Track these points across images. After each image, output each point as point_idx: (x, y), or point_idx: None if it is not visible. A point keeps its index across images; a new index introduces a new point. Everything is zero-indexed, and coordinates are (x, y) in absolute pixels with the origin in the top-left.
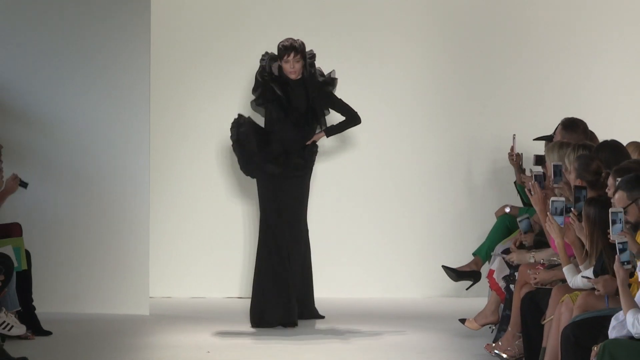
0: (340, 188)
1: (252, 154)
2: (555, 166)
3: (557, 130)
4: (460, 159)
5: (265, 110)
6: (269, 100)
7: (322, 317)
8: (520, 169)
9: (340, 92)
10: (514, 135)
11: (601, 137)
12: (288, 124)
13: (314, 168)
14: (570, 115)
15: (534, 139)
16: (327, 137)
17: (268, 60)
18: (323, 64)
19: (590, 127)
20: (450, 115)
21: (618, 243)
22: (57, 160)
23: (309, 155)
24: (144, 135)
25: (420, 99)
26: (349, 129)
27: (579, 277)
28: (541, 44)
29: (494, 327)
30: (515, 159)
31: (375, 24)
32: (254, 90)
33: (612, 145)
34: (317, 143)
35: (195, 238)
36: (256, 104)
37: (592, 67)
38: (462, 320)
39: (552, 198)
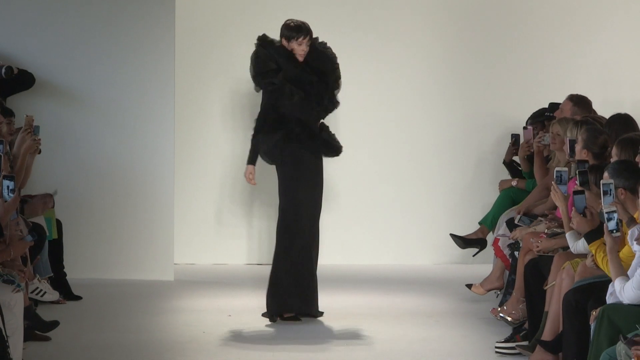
0: (354, 159)
1: (277, 143)
2: (571, 141)
3: (567, 107)
4: (471, 133)
5: (280, 92)
6: (289, 81)
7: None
8: (528, 159)
9: (356, 67)
10: (530, 128)
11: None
12: (306, 104)
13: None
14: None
15: (531, 123)
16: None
17: (267, 44)
18: (337, 40)
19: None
20: (463, 91)
21: (606, 212)
22: (88, 134)
23: (327, 135)
24: (169, 109)
25: (434, 74)
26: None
27: (580, 242)
28: (554, 20)
29: (499, 292)
30: (529, 149)
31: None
32: (264, 73)
33: (624, 118)
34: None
35: (218, 207)
36: (277, 85)
37: (598, 44)
38: (469, 286)
39: (556, 168)
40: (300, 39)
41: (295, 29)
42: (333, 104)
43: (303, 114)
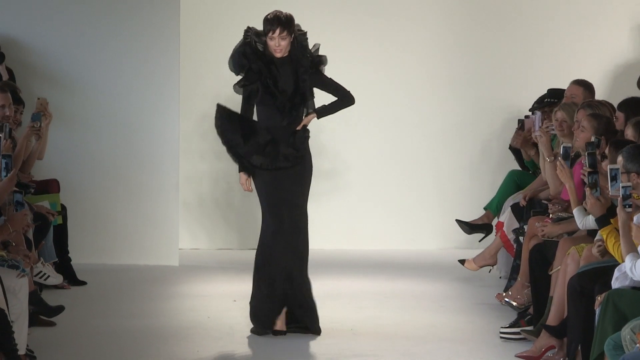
0: (360, 144)
1: (239, 148)
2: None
3: (579, 92)
4: (477, 118)
5: (250, 93)
6: (253, 82)
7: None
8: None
9: (365, 52)
10: (534, 115)
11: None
12: (274, 109)
13: (314, 152)
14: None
15: (534, 110)
16: (318, 118)
17: (252, 36)
18: (346, 23)
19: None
20: (470, 75)
21: (622, 187)
22: (93, 120)
23: (299, 142)
24: (174, 94)
25: (442, 58)
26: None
27: (590, 217)
28: (561, 4)
29: (492, 268)
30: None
31: None
32: (236, 68)
33: (637, 101)
34: (307, 127)
35: (223, 192)
36: (239, 86)
37: (603, 29)
38: (462, 261)
39: (563, 144)
40: (270, 33)
41: (268, 22)
42: (301, 109)
43: (265, 120)
